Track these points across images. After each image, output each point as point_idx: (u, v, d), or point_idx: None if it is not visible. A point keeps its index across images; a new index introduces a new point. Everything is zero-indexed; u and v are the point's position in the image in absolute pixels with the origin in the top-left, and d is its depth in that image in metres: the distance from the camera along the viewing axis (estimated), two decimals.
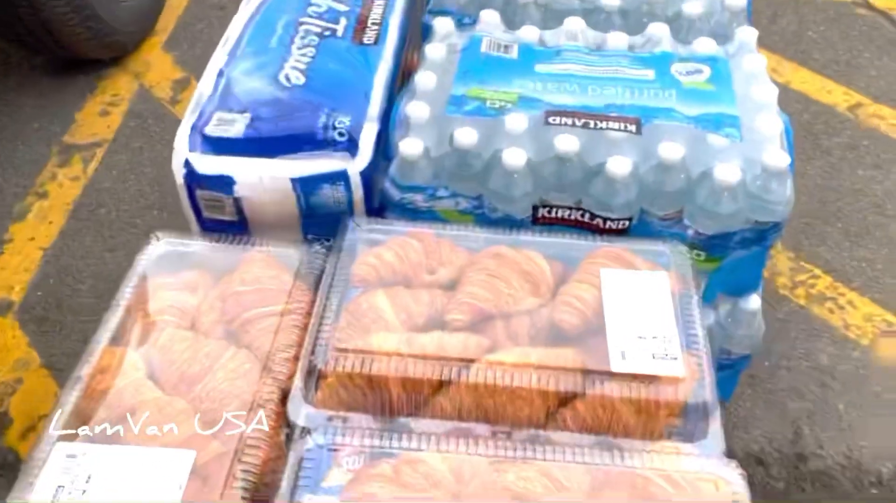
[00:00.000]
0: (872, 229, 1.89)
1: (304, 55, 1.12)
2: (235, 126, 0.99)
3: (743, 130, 0.96)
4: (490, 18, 1.11)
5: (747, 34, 1.09)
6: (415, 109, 0.97)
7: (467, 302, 0.85)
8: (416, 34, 1.28)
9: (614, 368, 0.78)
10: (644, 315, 0.82)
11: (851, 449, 1.49)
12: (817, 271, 1.80)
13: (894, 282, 1.77)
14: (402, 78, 1.20)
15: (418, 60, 1.11)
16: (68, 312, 1.71)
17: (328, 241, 1.00)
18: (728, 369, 1.12)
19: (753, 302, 1.04)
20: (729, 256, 0.97)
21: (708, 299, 1.03)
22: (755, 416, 1.53)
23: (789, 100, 2.28)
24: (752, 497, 1.37)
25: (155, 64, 2.37)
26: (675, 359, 0.78)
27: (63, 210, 1.92)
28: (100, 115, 2.20)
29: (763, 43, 2.53)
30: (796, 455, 1.48)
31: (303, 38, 1.15)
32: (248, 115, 1.00)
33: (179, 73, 2.33)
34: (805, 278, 1.78)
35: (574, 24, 1.10)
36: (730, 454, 1.47)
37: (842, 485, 1.43)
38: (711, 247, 0.95)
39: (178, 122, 1.19)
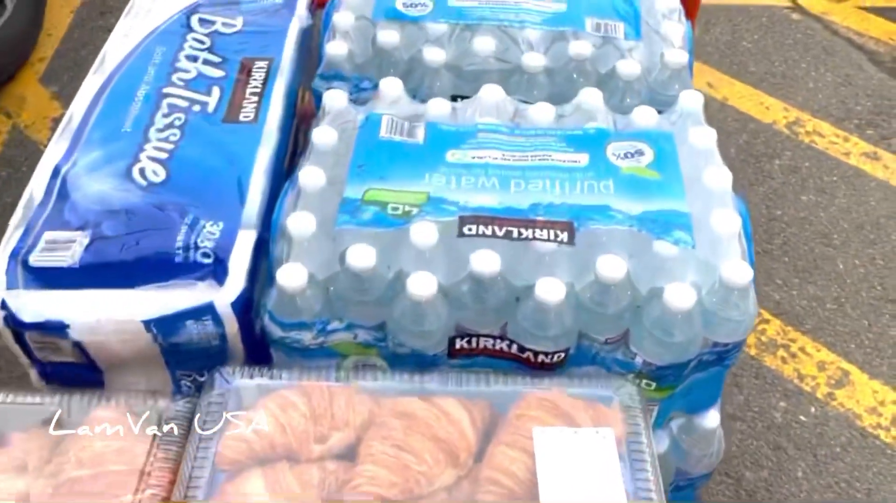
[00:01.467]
0: (820, 262, 1.79)
1: (165, 140, 0.91)
2: (70, 250, 0.78)
3: (695, 230, 0.80)
4: (392, 90, 0.93)
5: (692, 100, 0.93)
6: (297, 223, 0.78)
7: (368, 490, 0.67)
8: (308, 96, 1.09)
9: None
10: (589, 495, 0.66)
11: None
12: (766, 314, 1.68)
13: (846, 324, 1.67)
14: (291, 158, 1.01)
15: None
16: None
17: (202, 376, 0.81)
18: (686, 489, 0.97)
19: (711, 419, 0.90)
20: (683, 383, 0.81)
21: (660, 423, 0.88)
22: (711, 492, 1.40)
23: (727, 117, 2.16)
24: None
25: (31, 100, 2.09)
26: None
27: None
28: None
29: (697, 55, 2.40)
30: None
31: (166, 115, 0.94)
32: (87, 234, 0.80)
33: (60, 109, 2.07)
34: (755, 323, 1.66)
35: (491, 94, 0.92)
36: None
37: None
38: (663, 377, 0.79)
39: None
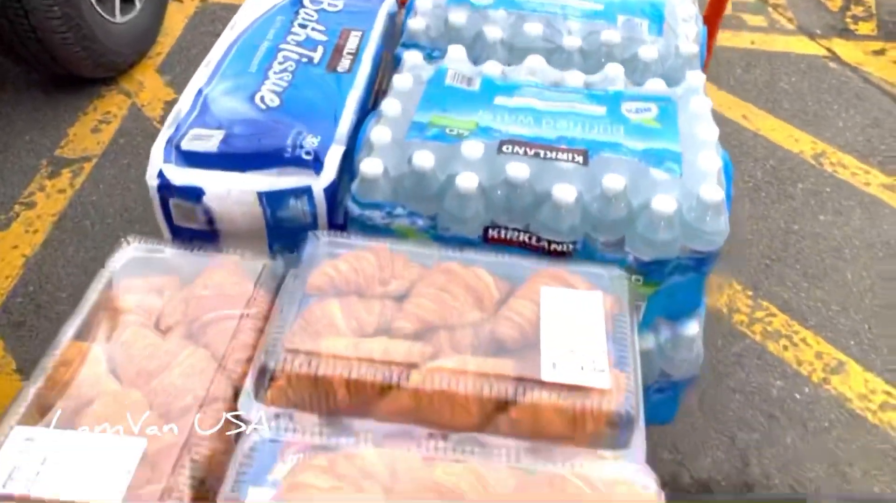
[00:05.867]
0: (830, 272, 1.96)
1: (280, 79, 1.19)
2: (210, 141, 1.05)
3: (684, 166, 1.03)
4: (457, 54, 1.19)
5: (696, 78, 1.16)
6: (378, 133, 1.04)
7: (414, 312, 0.91)
8: (390, 64, 1.36)
9: (545, 377, 0.83)
10: (577, 331, 0.88)
11: (796, 480, 1.54)
12: (774, 309, 1.86)
13: (847, 323, 1.84)
14: (373, 104, 1.27)
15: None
16: (45, 319, 1.75)
17: (293, 253, 1.06)
18: (669, 391, 1.17)
19: (692, 328, 1.10)
20: (666, 282, 1.03)
21: (647, 323, 1.09)
22: (705, 445, 1.58)
23: (757, 145, 2.37)
24: None
25: (148, 85, 2.44)
26: (603, 371, 0.84)
27: (49, 220, 1.98)
28: (91, 131, 2.27)
29: (735, 91, 2.63)
30: (744, 484, 1.53)
31: (281, 63, 1.22)
32: (222, 132, 1.07)
33: (171, 94, 2.41)
34: (762, 316, 1.85)
35: (535, 62, 1.18)
36: (677, 480, 1.52)
37: None
38: (649, 272, 1.01)
39: None
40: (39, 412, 0.83)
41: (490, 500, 0.74)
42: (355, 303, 0.93)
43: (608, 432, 0.83)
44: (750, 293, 1.89)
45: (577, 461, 0.79)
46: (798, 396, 1.68)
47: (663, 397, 1.17)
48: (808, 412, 1.65)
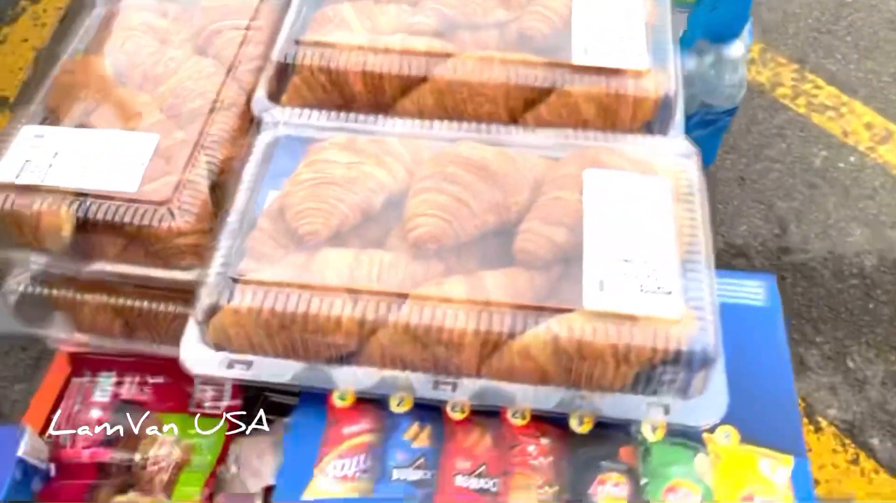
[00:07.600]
0: (883, 44, 1.83)
1: None
2: None
3: None
4: None
5: None
6: None
7: (434, 7, 0.84)
8: None
9: (576, 62, 0.77)
10: (613, 18, 0.80)
11: (836, 244, 1.49)
12: (821, 82, 1.76)
13: None
14: None
15: None
16: None
17: None
18: (710, 126, 1.11)
19: (736, 49, 1.02)
20: None
21: (688, 44, 1.01)
22: (742, 214, 1.54)
23: None
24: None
25: None
26: (640, 55, 0.77)
27: (54, 14, 1.90)
28: None
29: None
30: (780, 249, 1.49)
31: None
32: None
33: None
34: (808, 88, 1.74)
35: None
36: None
37: (822, 275, 1.45)
38: None
39: None
40: (47, 112, 0.80)
41: (518, 173, 0.70)
42: (370, 5, 0.86)
43: (645, 121, 0.78)
44: (795, 66, 1.78)
45: (613, 141, 0.74)
46: (842, 165, 1.61)
47: (704, 133, 1.11)
48: (851, 180, 1.58)
